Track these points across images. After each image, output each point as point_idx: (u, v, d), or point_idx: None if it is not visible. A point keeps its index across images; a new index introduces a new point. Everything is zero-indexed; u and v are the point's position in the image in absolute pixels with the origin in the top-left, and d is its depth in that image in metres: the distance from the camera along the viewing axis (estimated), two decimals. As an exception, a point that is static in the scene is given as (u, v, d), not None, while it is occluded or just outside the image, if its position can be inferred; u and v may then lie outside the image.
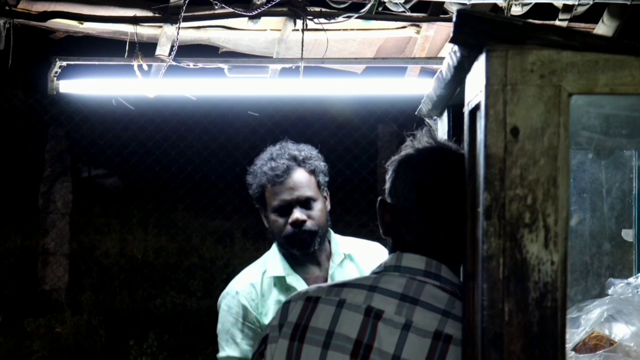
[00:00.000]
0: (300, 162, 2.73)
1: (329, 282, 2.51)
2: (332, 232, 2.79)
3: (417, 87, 4.21)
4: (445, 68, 1.52)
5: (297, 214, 2.65)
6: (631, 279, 2.22)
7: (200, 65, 4.19)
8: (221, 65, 4.19)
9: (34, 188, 8.77)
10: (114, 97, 4.30)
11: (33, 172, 9.49)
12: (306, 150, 2.80)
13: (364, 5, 4.05)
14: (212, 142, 8.59)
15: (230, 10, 4.01)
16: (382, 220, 1.73)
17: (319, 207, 2.69)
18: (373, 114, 8.66)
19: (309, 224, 2.65)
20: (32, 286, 8.30)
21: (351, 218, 9.21)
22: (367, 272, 2.25)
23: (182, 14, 3.97)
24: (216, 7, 4.02)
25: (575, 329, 2.02)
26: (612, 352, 1.90)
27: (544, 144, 1.12)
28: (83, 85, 4.21)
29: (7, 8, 3.94)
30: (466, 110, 1.36)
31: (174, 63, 4.08)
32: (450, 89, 1.63)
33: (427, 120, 2.17)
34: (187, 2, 3.96)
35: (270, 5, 3.97)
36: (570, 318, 2.00)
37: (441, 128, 2.01)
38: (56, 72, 4.14)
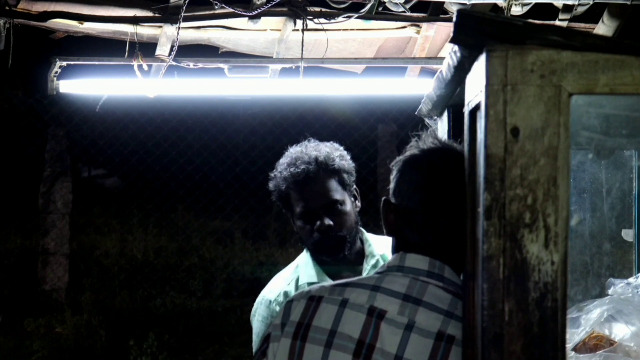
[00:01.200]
0: (321, 165, 2.60)
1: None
2: (364, 232, 2.68)
3: (417, 87, 4.21)
4: (445, 68, 1.51)
5: (323, 220, 2.54)
6: (631, 279, 2.22)
7: (200, 65, 4.19)
8: (221, 65, 4.19)
9: (34, 188, 8.77)
10: (102, 97, 4.29)
11: (33, 172, 9.49)
12: (328, 150, 2.67)
13: (364, 5, 4.05)
14: (212, 142, 8.59)
15: (230, 10, 4.01)
16: (385, 220, 1.73)
17: (346, 210, 2.58)
18: (373, 114, 8.67)
19: (336, 229, 2.55)
20: (32, 286, 8.30)
21: (351, 218, 9.21)
22: None
23: (182, 14, 3.97)
24: (216, 7, 4.02)
25: (575, 329, 2.02)
26: (612, 352, 1.90)
27: (544, 144, 1.12)
28: (83, 85, 4.21)
29: (7, 8, 3.94)
30: (466, 110, 1.36)
31: (174, 63, 4.09)
32: (450, 89, 1.63)
33: (427, 120, 2.17)
34: (187, 2, 3.96)
35: (270, 5, 3.97)
36: (570, 318, 2.00)
37: (441, 128, 2.01)
38: (56, 72, 4.14)
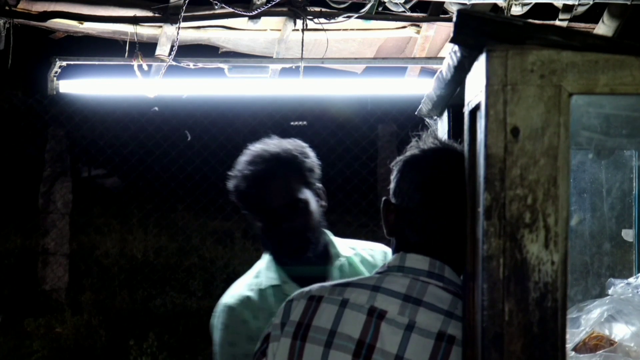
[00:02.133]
0: (283, 163, 2.43)
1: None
2: (329, 234, 2.52)
3: (417, 87, 4.22)
4: (445, 68, 1.51)
5: (285, 220, 2.36)
6: (631, 279, 2.22)
7: (200, 65, 4.19)
8: (221, 65, 4.19)
9: (34, 188, 8.77)
10: (103, 97, 4.29)
11: (33, 172, 9.49)
12: (291, 148, 2.49)
13: (364, 5, 4.05)
14: (212, 142, 8.59)
15: (230, 10, 4.01)
16: (386, 220, 1.73)
17: (310, 210, 2.40)
18: (373, 114, 8.67)
19: (300, 230, 2.37)
20: (32, 286, 8.30)
21: (351, 218, 9.22)
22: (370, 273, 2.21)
23: (182, 14, 3.97)
24: (216, 7, 4.02)
25: (575, 329, 2.02)
26: (612, 352, 1.90)
27: (544, 144, 1.12)
28: (83, 85, 4.21)
29: (7, 8, 3.94)
30: (466, 110, 1.36)
31: (174, 63, 4.09)
32: (450, 89, 1.63)
33: (427, 120, 2.17)
34: (187, 2, 3.96)
35: (270, 5, 3.97)
36: (570, 318, 2.00)
37: (441, 128, 2.01)
38: (56, 72, 4.14)
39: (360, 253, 2.52)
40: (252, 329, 2.35)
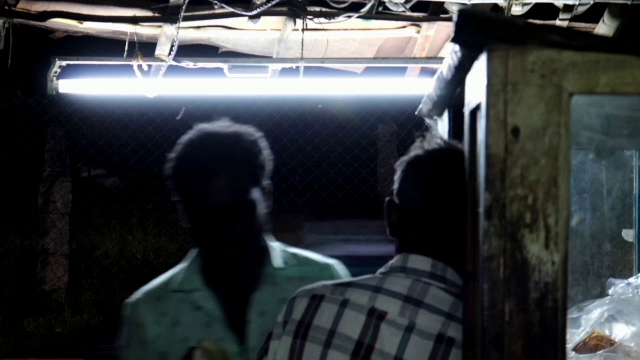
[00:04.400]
0: (235, 156, 2.09)
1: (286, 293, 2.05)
2: (269, 240, 2.19)
3: (417, 87, 4.22)
4: (445, 68, 1.51)
5: (227, 222, 2.05)
6: (631, 279, 2.22)
7: (200, 65, 4.19)
8: (221, 65, 4.20)
9: (33, 188, 8.77)
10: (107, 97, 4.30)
11: (33, 172, 9.49)
12: (245, 138, 2.14)
13: (364, 5, 4.05)
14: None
15: (230, 10, 4.01)
16: (389, 220, 1.73)
17: (256, 212, 2.09)
18: (373, 114, 8.67)
19: (239, 235, 2.06)
20: (32, 286, 8.30)
21: (351, 218, 9.21)
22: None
23: (182, 14, 3.97)
24: (216, 7, 4.02)
25: (575, 329, 2.02)
26: (612, 353, 1.90)
27: (545, 144, 1.12)
28: (83, 85, 4.21)
29: (6, 8, 3.94)
30: (466, 110, 1.36)
31: (173, 63, 4.09)
32: (450, 89, 1.63)
33: (427, 120, 2.16)
34: (187, 1, 3.97)
35: (270, 5, 3.97)
36: (570, 318, 1.99)
37: (441, 128, 2.01)
38: (56, 72, 4.14)
39: (299, 268, 2.20)
40: (148, 335, 2.11)
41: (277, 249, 2.20)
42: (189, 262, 2.20)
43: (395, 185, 1.72)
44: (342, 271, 2.21)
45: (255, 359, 1.96)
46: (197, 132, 2.16)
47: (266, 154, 2.16)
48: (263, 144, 2.16)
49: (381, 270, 1.71)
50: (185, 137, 2.16)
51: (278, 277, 2.13)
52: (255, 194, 2.09)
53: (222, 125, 2.17)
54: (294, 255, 2.23)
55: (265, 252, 2.16)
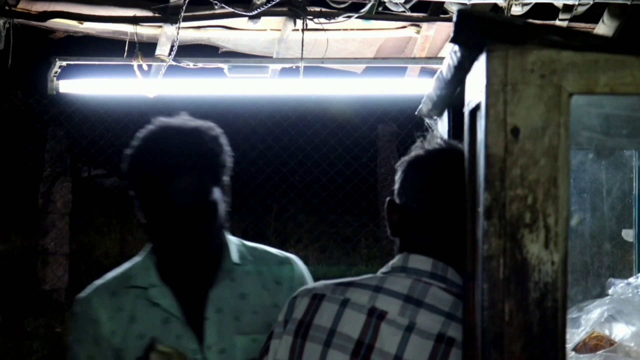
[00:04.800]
0: (198, 155, 2.00)
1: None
2: (227, 236, 2.13)
3: (417, 87, 4.22)
4: (445, 68, 1.51)
5: (188, 226, 1.96)
6: (631, 279, 2.22)
7: (200, 65, 4.20)
8: (221, 65, 4.20)
9: (33, 188, 8.77)
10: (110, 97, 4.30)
11: (33, 172, 9.49)
12: (207, 136, 2.06)
13: (364, 5, 4.05)
14: (212, 142, 8.57)
15: (230, 10, 4.02)
16: (390, 220, 1.73)
17: (218, 214, 2.02)
18: (373, 114, 8.67)
19: (200, 237, 1.99)
20: (32, 286, 8.30)
21: (351, 218, 9.22)
22: (268, 288, 2.07)
23: (182, 14, 3.97)
24: (216, 7, 4.02)
25: (575, 329, 2.02)
26: (612, 352, 1.90)
27: (545, 144, 1.12)
28: (83, 85, 4.21)
29: (7, 8, 3.95)
30: (466, 110, 1.36)
31: (174, 63, 4.09)
32: (450, 89, 1.63)
33: (427, 120, 2.17)
34: (187, 2, 3.97)
35: (270, 5, 3.98)
36: (570, 318, 2.00)
37: (441, 128, 2.01)
38: (56, 72, 4.14)
39: (258, 263, 2.15)
40: (101, 331, 2.04)
41: (235, 245, 2.14)
42: (145, 256, 2.13)
43: (396, 186, 1.72)
44: (300, 266, 2.17)
45: (215, 357, 1.98)
46: (156, 129, 2.05)
47: (227, 151, 2.09)
48: (224, 140, 2.09)
49: (382, 270, 1.71)
50: (143, 133, 2.06)
51: (236, 272, 2.08)
52: (217, 194, 2.01)
53: (182, 121, 2.07)
54: (252, 250, 2.17)
55: (223, 247, 2.10)
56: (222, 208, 2.04)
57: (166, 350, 1.91)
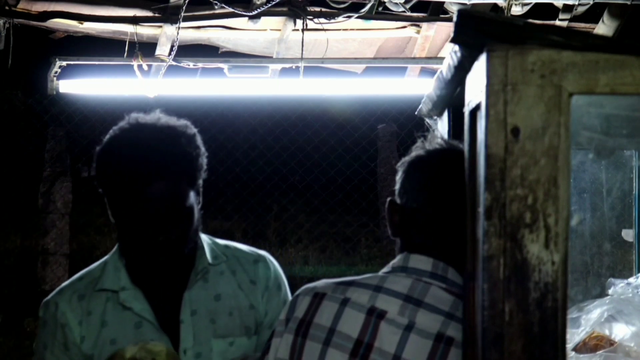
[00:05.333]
0: (166, 160, 1.86)
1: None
2: (201, 235, 2.05)
3: (417, 87, 4.22)
4: (445, 68, 1.51)
5: (160, 232, 1.87)
6: (631, 279, 2.22)
7: (200, 65, 4.19)
8: (221, 65, 4.20)
9: (33, 188, 8.77)
10: (110, 97, 4.29)
11: (33, 172, 9.49)
12: (177, 138, 1.91)
13: (364, 5, 4.05)
14: (212, 142, 8.59)
15: (230, 10, 4.02)
16: (391, 221, 1.73)
17: (193, 218, 1.93)
18: (373, 114, 8.67)
19: (174, 243, 1.90)
20: (32, 286, 8.30)
21: (351, 218, 9.22)
22: (243, 288, 2.02)
23: (182, 14, 3.97)
24: (216, 7, 4.02)
25: (575, 329, 2.02)
26: (612, 352, 1.90)
27: (545, 144, 1.12)
28: (83, 85, 4.21)
29: (7, 8, 3.95)
30: (466, 110, 1.36)
31: (174, 63, 4.09)
32: (450, 89, 1.63)
33: (427, 120, 2.17)
34: (187, 2, 3.97)
35: (270, 5, 3.98)
36: (570, 318, 2.00)
37: (441, 128, 2.01)
38: (56, 72, 4.14)
39: (231, 262, 2.08)
40: (71, 335, 1.95)
41: (208, 244, 2.06)
42: (114, 257, 2.04)
43: (397, 186, 1.73)
44: (275, 264, 2.12)
45: None
46: (129, 128, 1.94)
47: (203, 152, 1.98)
48: (200, 140, 1.99)
49: (384, 270, 1.72)
50: (116, 132, 1.95)
51: (210, 273, 2.01)
52: (192, 198, 1.92)
53: (157, 120, 1.95)
54: (225, 248, 2.09)
55: (197, 248, 2.01)
56: (197, 211, 1.95)
57: (155, 349, 1.83)
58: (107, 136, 1.98)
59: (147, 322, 1.95)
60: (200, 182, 1.98)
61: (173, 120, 1.97)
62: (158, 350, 1.84)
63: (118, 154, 1.90)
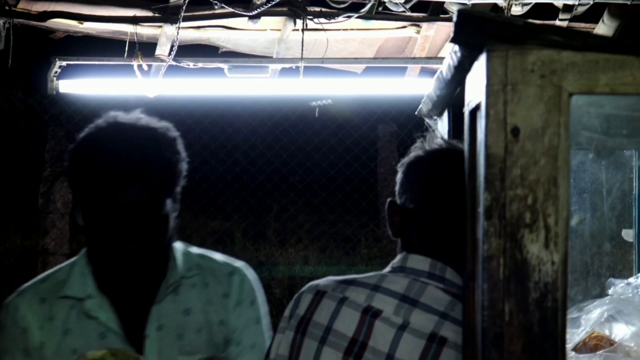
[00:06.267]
0: (145, 164, 1.75)
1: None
2: (176, 245, 1.95)
3: (417, 87, 4.22)
4: (445, 68, 1.51)
5: (127, 238, 1.75)
6: (631, 279, 2.22)
7: (200, 65, 4.20)
8: (221, 65, 4.20)
9: (33, 188, 8.77)
10: (111, 97, 4.29)
11: (33, 172, 9.49)
12: (157, 141, 1.80)
13: (364, 5, 4.05)
14: (212, 142, 8.59)
15: (230, 10, 4.02)
16: (391, 221, 1.73)
17: (168, 227, 1.82)
18: (373, 114, 8.67)
19: (143, 250, 1.78)
20: (32, 286, 8.30)
21: (351, 218, 9.21)
22: (213, 302, 1.94)
23: (182, 14, 3.97)
24: (216, 7, 4.02)
25: (575, 329, 2.02)
26: (612, 352, 1.90)
27: (545, 144, 1.12)
28: (83, 85, 4.21)
29: (7, 8, 3.95)
30: (466, 110, 1.36)
31: (174, 63, 4.09)
32: (450, 89, 1.63)
33: (427, 120, 2.17)
34: (187, 2, 3.97)
35: (270, 5, 3.98)
36: (570, 318, 2.00)
37: (441, 128, 2.01)
38: (56, 72, 4.14)
39: (205, 274, 1.98)
40: (32, 340, 1.86)
41: (182, 254, 1.95)
42: (81, 262, 1.93)
43: (397, 186, 1.73)
44: (250, 276, 2.03)
45: None
46: (107, 127, 1.83)
47: (184, 157, 1.87)
48: (181, 145, 1.87)
49: (385, 269, 1.72)
50: (92, 130, 1.85)
51: (181, 286, 1.91)
52: (169, 206, 1.81)
53: (136, 121, 1.83)
54: (200, 259, 1.99)
55: (169, 259, 1.90)
56: (173, 220, 1.84)
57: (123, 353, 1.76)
58: (83, 133, 1.87)
59: (112, 333, 1.84)
60: (179, 189, 1.86)
61: (154, 122, 1.85)
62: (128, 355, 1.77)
63: (93, 154, 1.79)
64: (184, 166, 1.86)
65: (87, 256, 1.92)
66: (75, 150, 1.85)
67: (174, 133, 1.86)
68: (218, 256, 2.05)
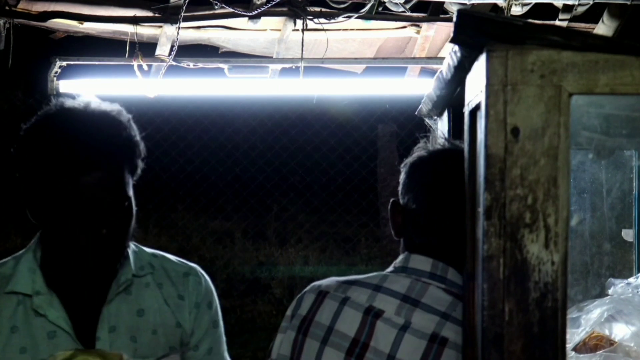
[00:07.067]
0: (107, 150, 1.66)
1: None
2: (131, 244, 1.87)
3: (417, 87, 4.22)
4: (445, 68, 1.52)
5: (85, 228, 1.65)
6: (631, 279, 2.22)
7: (200, 65, 4.19)
8: (221, 65, 4.20)
9: (34, 188, 8.75)
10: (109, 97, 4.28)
11: (33, 172, 9.48)
12: (116, 120, 1.71)
13: (364, 5, 4.05)
14: (212, 142, 8.59)
15: (230, 10, 4.01)
16: (393, 221, 1.74)
17: (132, 213, 1.76)
18: (373, 114, 8.67)
19: (116, 234, 1.71)
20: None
21: (351, 218, 9.22)
22: (169, 303, 1.86)
23: (182, 14, 3.97)
24: (216, 7, 4.02)
25: (575, 329, 2.02)
26: (612, 352, 1.90)
27: (545, 144, 1.12)
28: (83, 85, 4.21)
29: (7, 8, 3.95)
30: (466, 110, 1.36)
31: (174, 63, 4.09)
32: (450, 89, 1.63)
33: (427, 120, 2.17)
34: (187, 2, 3.97)
35: (270, 5, 3.97)
36: (570, 318, 2.00)
37: (441, 128, 2.01)
38: (56, 72, 4.14)
39: (158, 274, 1.90)
40: None
41: (134, 252, 1.88)
42: (28, 257, 1.79)
43: (400, 187, 1.73)
44: (206, 278, 1.95)
45: None
46: (59, 108, 1.75)
47: (135, 145, 1.76)
48: (135, 126, 1.77)
49: (388, 269, 1.72)
50: (43, 114, 1.76)
51: (133, 285, 1.83)
52: (131, 192, 1.73)
53: (87, 103, 1.73)
54: (153, 258, 1.92)
55: (125, 256, 1.82)
56: (134, 206, 1.76)
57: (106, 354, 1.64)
58: (31, 121, 1.75)
59: (62, 332, 1.74)
60: (139, 171, 1.78)
61: (105, 104, 1.74)
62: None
63: (48, 134, 1.67)
64: (142, 147, 1.77)
65: (35, 251, 1.79)
66: (29, 138, 1.72)
67: (127, 114, 1.76)
68: (171, 257, 1.97)
